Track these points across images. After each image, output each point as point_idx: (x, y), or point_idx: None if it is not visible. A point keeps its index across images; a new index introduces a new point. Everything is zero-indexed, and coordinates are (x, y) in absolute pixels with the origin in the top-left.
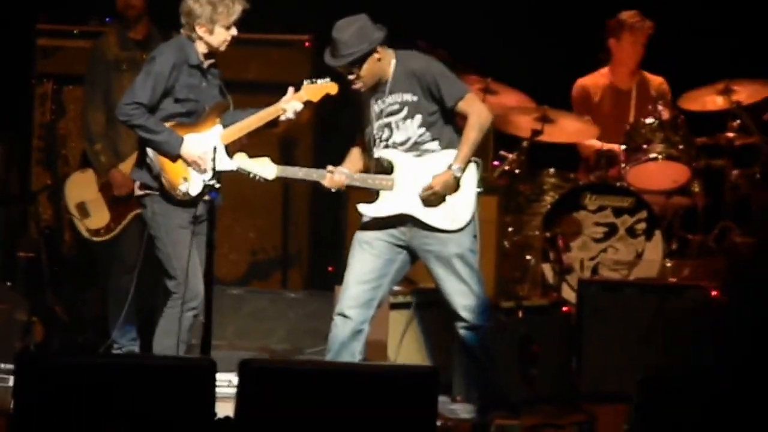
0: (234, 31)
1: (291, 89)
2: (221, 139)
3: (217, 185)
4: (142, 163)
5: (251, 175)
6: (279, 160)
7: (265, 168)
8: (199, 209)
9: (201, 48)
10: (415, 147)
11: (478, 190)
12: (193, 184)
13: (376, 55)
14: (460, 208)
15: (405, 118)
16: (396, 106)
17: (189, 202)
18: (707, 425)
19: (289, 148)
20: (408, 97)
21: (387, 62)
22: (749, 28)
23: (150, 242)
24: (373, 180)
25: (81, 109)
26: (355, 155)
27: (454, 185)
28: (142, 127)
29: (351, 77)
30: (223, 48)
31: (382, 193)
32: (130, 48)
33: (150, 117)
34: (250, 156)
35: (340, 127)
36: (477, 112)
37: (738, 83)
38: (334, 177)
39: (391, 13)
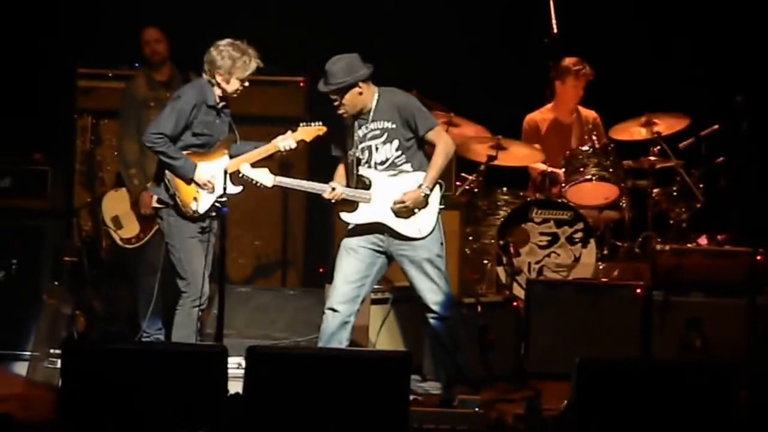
0: (246, 84)
1: (289, 132)
2: (227, 167)
3: (225, 200)
4: (160, 182)
5: (253, 182)
6: (278, 174)
7: (265, 176)
8: (206, 222)
9: (217, 91)
10: (392, 167)
11: (442, 206)
12: (201, 203)
13: (357, 89)
14: (425, 221)
15: (384, 142)
16: (377, 132)
17: (197, 217)
18: (633, 400)
19: (287, 169)
20: (388, 125)
21: (369, 95)
22: (668, 68)
23: (167, 248)
24: (354, 193)
25: (117, 140)
26: (340, 173)
27: (423, 202)
28: (164, 154)
29: (335, 103)
30: (235, 95)
31: (360, 205)
32: (157, 88)
33: (171, 145)
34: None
35: (329, 150)
36: (444, 142)
37: (658, 116)
38: (336, 191)
39: (376, 59)
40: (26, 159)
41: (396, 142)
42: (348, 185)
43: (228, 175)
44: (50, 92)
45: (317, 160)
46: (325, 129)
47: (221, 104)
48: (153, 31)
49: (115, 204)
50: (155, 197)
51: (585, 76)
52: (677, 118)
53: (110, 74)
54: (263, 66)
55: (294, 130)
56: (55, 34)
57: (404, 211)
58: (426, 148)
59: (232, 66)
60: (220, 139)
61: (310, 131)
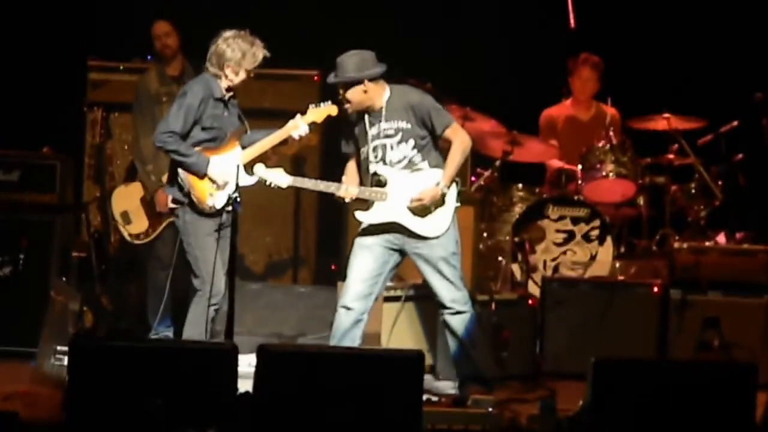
0: (252, 74)
1: (298, 115)
2: (241, 159)
3: (239, 197)
4: (174, 181)
5: (268, 183)
6: (291, 174)
7: (280, 177)
8: (222, 218)
9: (224, 84)
10: (409, 165)
11: (457, 204)
12: (217, 198)
13: (362, 86)
14: (441, 219)
15: (399, 142)
16: (391, 131)
17: (214, 213)
18: (649, 400)
19: (299, 164)
20: (403, 124)
21: (377, 94)
22: (687, 65)
23: (182, 245)
24: (370, 192)
25: (131, 135)
26: (352, 171)
27: (440, 200)
28: (176, 152)
29: (339, 97)
30: (240, 85)
31: (376, 203)
32: (168, 83)
33: (182, 143)
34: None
35: (339, 146)
36: (461, 139)
37: (676, 117)
38: (349, 190)
39: (391, 53)
40: (35, 153)
41: (411, 142)
42: (361, 182)
43: (242, 167)
44: (60, 85)
45: (329, 154)
46: (336, 108)
47: (228, 96)
48: (163, 24)
49: (125, 199)
50: (170, 197)
51: (596, 67)
52: (694, 121)
53: (121, 67)
54: (269, 56)
55: (304, 113)
56: (66, 25)
57: (421, 210)
58: (440, 143)
59: (242, 58)
60: (229, 131)
61: (320, 112)
